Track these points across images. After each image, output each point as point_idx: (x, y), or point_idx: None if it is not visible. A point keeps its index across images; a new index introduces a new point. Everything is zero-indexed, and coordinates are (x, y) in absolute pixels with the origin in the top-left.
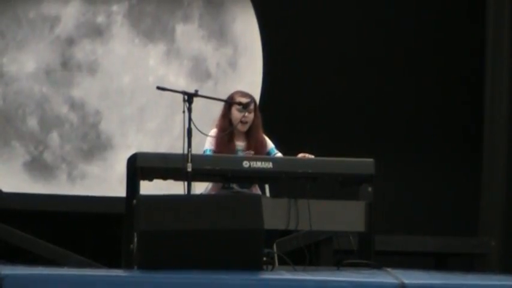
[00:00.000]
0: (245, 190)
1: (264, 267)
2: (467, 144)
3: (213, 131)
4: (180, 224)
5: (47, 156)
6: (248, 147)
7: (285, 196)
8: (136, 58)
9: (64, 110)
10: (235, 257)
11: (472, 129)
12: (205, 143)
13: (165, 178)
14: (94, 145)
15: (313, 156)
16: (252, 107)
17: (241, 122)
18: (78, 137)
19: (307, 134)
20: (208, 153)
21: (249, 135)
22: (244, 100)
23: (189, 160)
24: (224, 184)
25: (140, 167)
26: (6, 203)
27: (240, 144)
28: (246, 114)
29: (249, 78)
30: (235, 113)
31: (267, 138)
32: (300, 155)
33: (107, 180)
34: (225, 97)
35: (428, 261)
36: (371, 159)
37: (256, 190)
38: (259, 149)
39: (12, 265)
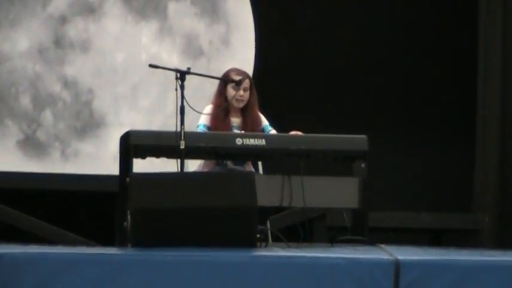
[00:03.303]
0: (238, 167)
1: (258, 244)
2: (461, 119)
3: (209, 107)
4: (174, 201)
5: (40, 134)
6: (243, 124)
7: (279, 173)
8: (129, 36)
9: (57, 88)
10: (229, 234)
11: (465, 105)
12: (200, 119)
13: (158, 156)
14: (87, 123)
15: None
16: (247, 84)
17: (236, 99)
18: (71, 115)
19: (299, 111)
20: (201, 128)
21: (245, 112)
22: (237, 78)
23: (182, 138)
24: (217, 161)
25: (133, 144)
26: (0, 181)
27: (235, 120)
28: (241, 92)
29: (241, 55)
30: (230, 91)
31: (261, 116)
32: (292, 133)
33: (100, 158)
34: (217, 74)
35: (422, 238)
36: (364, 136)
37: (250, 167)
38: (254, 127)
39: (6, 244)
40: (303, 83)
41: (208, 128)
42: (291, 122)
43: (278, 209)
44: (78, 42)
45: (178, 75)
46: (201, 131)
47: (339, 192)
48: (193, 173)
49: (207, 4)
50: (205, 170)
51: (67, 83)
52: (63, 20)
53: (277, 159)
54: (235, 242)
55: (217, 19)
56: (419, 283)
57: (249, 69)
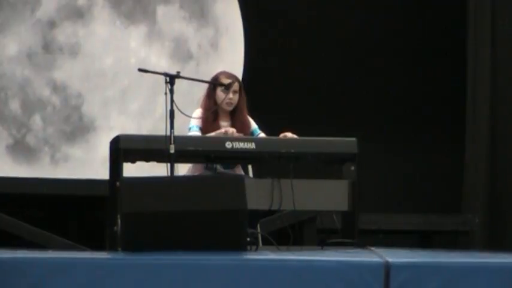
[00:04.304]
0: (228, 171)
1: (248, 247)
2: (450, 121)
3: (198, 111)
4: (164, 205)
5: (30, 139)
6: (232, 128)
7: (268, 176)
8: (118, 40)
9: (46, 92)
10: (219, 238)
11: (455, 106)
12: (191, 121)
13: (148, 160)
14: (76, 127)
15: (295, 136)
16: (236, 87)
17: (225, 102)
18: (61, 120)
19: (289, 114)
20: (195, 129)
21: (234, 115)
22: (226, 81)
23: (172, 141)
24: (207, 165)
25: (123, 149)
26: None
27: (224, 124)
28: (231, 95)
29: (230, 58)
30: (220, 94)
31: (250, 119)
32: (282, 134)
33: (90, 163)
34: (207, 78)
35: (412, 239)
36: (354, 138)
37: (240, 171)
38: (243, 130)
39: None
40: (292, 86)
41: (201, 129)
42: (281, 125)
43: (268, 212)
44: (67, 46)
45: (168, 79)
46: (194, 131)
47: (329, 195)
48: (183, 177)
49: (195, 8)
50: (195, 173)
51: (56, 88)
52: (51, 24)
53: (267, 163)
54: (226, 245)
55: (206, 23)
56: (410, 285)
57: (238, 72)
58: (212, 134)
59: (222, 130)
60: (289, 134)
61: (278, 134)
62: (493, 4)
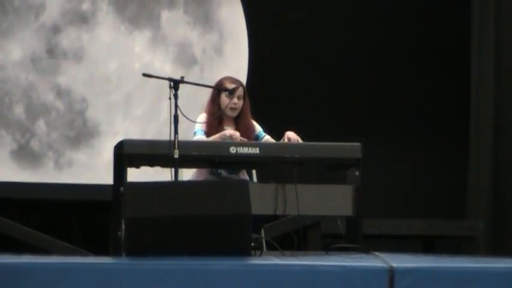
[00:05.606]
0: (233, 176)
1: (252, 252)
2: (454, 126)
3: (202, 116)
4: (168, 210)
5: (34, 144)
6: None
7: (273, 181)
8: (122, 45)
9: (50, 97)
10: (223, 243)
11: (458, 111)
12: (196, 126)
13: (152, 165)
14: (81, 132)
15: (299, 138)
16: (241, 92)
17: (230, 108)
18: (65, 125)
19: (293, 118)
20: (200, 132)
21: (238, 120)
22: (231, 86)
23: (176, 146)
24: (211, 170)
25: (127, 154)
26: None
27: (228, 129)
28: (235, 100)
29: (234, 63)
30: (224, 99)
31: (254, 123)
32: (286, 134)
33: (94, 168)
34: (211, 83)
35: (415, 245)
36: (358, 143)
37: (244, 175)
38: (247, 134)
39: None
40: (296, 91)
41: (206, 133)
42: (285, 130)
43: (272, 217)
44: (71, 51)
45: (172, 84)
46: (199, 135)
47: (333, 200)
48: (188, 182)
49: (199, 13)
50: (199, 178)
51: (60, 93)
52: (56, 29)
53: (271, 167)
54: (230, 250)
55: (210, 28)
56: None
57: (243, 77)
58: (216, 135)
59: (227, 133)
60: (291, 134)
61: (282, 134)
62: (497, 4)
